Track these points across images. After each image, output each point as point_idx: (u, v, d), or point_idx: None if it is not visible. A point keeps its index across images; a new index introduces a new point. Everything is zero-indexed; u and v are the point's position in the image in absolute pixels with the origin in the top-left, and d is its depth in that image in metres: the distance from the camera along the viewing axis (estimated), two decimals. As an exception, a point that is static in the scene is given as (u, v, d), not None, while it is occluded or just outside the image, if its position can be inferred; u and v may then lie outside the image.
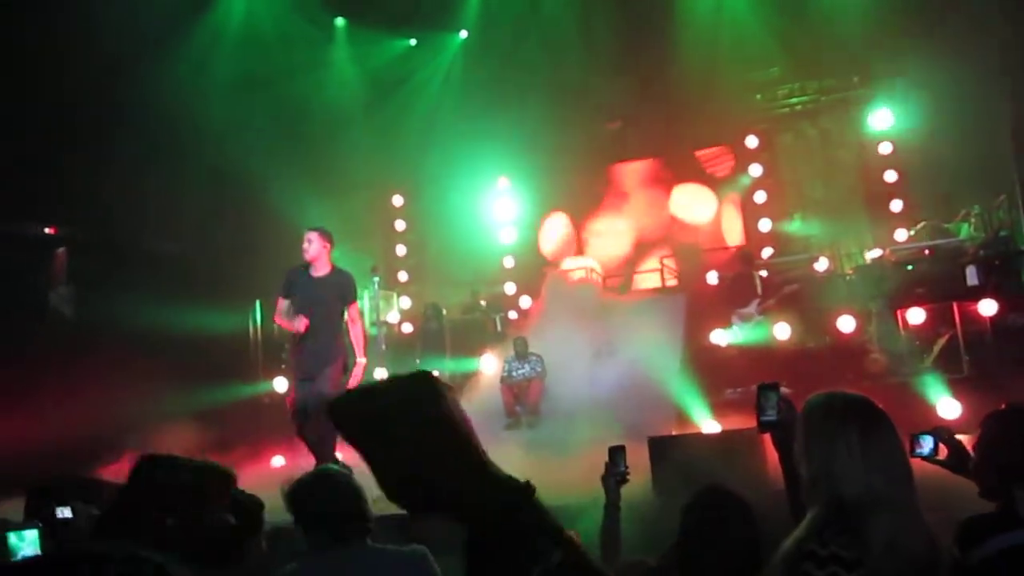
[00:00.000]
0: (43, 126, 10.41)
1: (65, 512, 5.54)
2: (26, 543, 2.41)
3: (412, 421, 0.88)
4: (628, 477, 3.57)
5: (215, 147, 11.89)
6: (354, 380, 6.89)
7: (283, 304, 7.15)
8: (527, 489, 0.94)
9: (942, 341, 9.39)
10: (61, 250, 12.76)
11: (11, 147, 10.12)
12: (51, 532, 3.67)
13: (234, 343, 12.30)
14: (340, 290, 7.05)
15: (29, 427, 9.83)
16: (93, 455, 9.76)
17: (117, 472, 8.67)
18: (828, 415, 2.27)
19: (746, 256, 11.62)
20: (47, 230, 12.72)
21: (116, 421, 10.26)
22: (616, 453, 3.54)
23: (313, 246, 6.99)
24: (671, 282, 13.78)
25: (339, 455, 7.13)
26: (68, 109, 10.66)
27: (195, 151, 11.74)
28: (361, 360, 7.00)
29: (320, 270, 7.04)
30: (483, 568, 0.91)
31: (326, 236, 7.07)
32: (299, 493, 3.16)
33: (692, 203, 14.93)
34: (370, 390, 0.93)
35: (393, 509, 0.97)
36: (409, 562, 3.11)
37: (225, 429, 10.24)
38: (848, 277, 11.57)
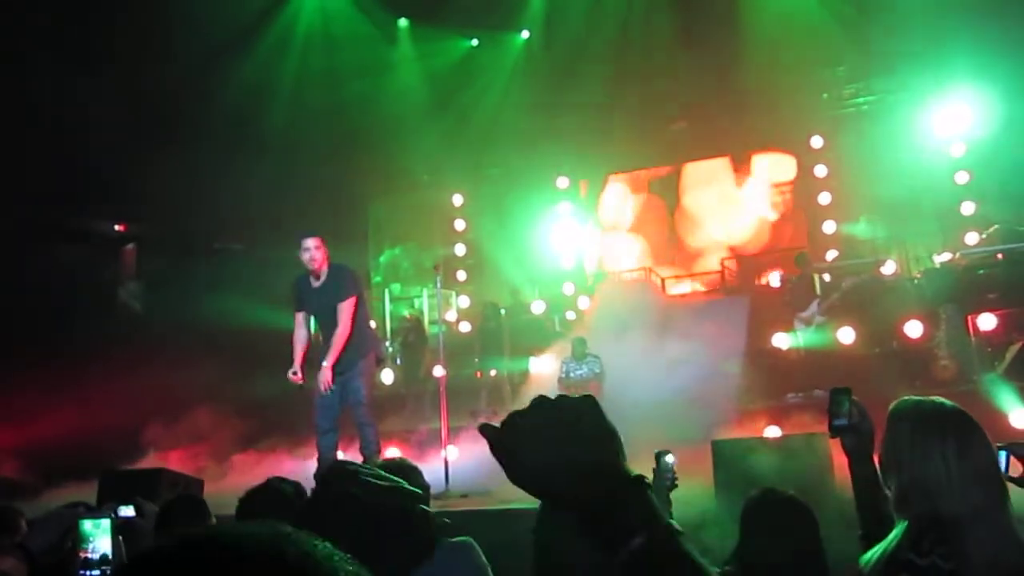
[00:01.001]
0: (114, 127, 10.70)
1: (128, 511, 5.67)
2: (100, 531, 2.46)
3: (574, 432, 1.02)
4: (676, 483, 3.49)
5: (279, 147, 12.10)
6: (325, 374, 6.64)
7: (300, 317, 7.01)
8: (634, 480, 1.01)
9: (1015, 348, 9.10)
10: (130, 247, 13.12)
11: (84, 147, 10.43)
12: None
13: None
14: (337, 293, 6.79)
15: (97, 415, 10.13)
16: (158, 443, 10.03)
17: (180, 460, 8.89)
18: (920, 425, 2.18)
19: (802, 259, 11.46)
20: (117, 227, 13.08)
21: (181, 411, 10.52)
22: (661, 457, 3.42)
23: (319, 253, 6.78)
24: (730, 284, 13.65)
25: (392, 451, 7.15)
26: (138, 110, 10.95)
27: (260, 151, 11.96)
28: (324, 364, 6.65)
29: (320, 277, 6.86)
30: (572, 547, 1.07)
31: (325, 241, 6.88)
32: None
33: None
34: (547, 408, 1.06)
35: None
36: (455, 552, 3.13)
37: (283, 420, 10.41)
38: (916, 281, 11.30)
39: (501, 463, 1.03)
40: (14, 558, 2.68)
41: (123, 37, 10.49)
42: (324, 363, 6.66)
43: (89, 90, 10.34)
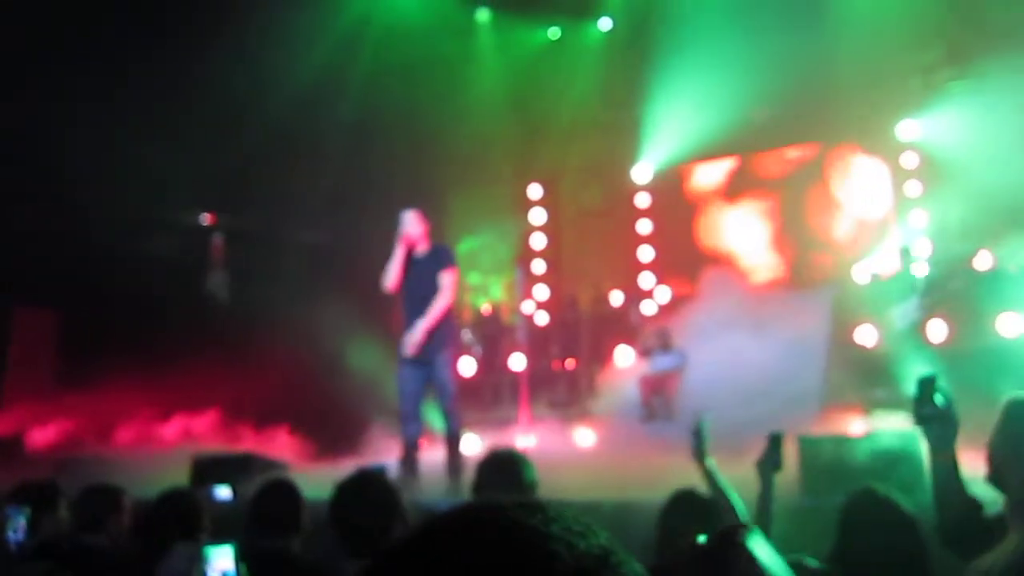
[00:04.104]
0: (203, 121, 10.98)
1: (225, 493, 5.79)
2: (223, 553, 2.52)
3: None
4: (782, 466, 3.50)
5: (357, 138, 12.25)
6: (415, 335, 6.56)
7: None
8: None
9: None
10: (218, 237, 13.48)
11: (175, 141, 10.74)
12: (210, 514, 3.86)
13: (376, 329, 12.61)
14: (438, 265, 6.70)
15: (185, 401, 10.44)
16: (245, 431, 10.29)
17: (268, 447, 9.08)
18: None
19: (904, 252, 11.28)
20: (206, 219, 13.46)
21: (266, 400, 10.77)
22: (775, 440, 3.48)
23: (414, 228, 6.70)
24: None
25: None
26: (224, 103, 11.20)
27: (342, 143, 12.12)
28: (421, 322, 6.53)
29: (420, 251, 6.76)
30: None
31: (424, 215, 6.82)
32: (490, 465, 3.32)
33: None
34: None
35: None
36: None
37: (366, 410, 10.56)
38: (1014, 274, 10.83)
39: None
40: None
41: (199, 34, 10.70)
42: (417, 325, 6.54)
43: (172, 88, 10.63)
